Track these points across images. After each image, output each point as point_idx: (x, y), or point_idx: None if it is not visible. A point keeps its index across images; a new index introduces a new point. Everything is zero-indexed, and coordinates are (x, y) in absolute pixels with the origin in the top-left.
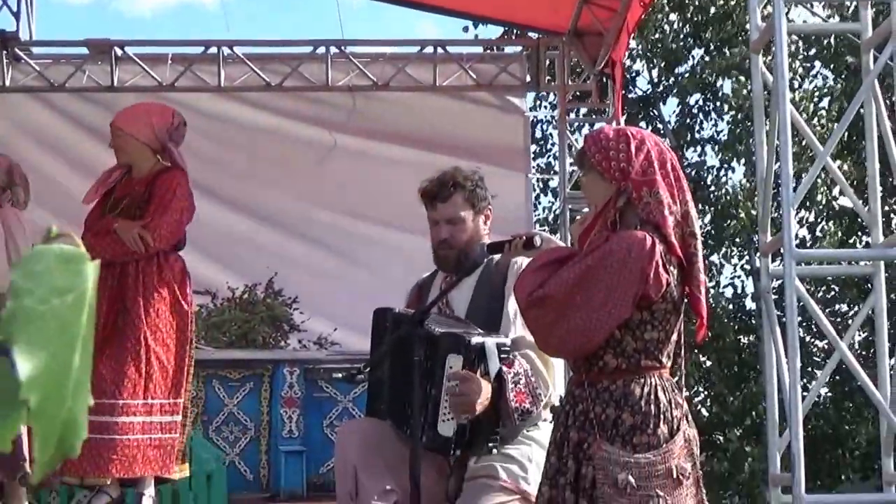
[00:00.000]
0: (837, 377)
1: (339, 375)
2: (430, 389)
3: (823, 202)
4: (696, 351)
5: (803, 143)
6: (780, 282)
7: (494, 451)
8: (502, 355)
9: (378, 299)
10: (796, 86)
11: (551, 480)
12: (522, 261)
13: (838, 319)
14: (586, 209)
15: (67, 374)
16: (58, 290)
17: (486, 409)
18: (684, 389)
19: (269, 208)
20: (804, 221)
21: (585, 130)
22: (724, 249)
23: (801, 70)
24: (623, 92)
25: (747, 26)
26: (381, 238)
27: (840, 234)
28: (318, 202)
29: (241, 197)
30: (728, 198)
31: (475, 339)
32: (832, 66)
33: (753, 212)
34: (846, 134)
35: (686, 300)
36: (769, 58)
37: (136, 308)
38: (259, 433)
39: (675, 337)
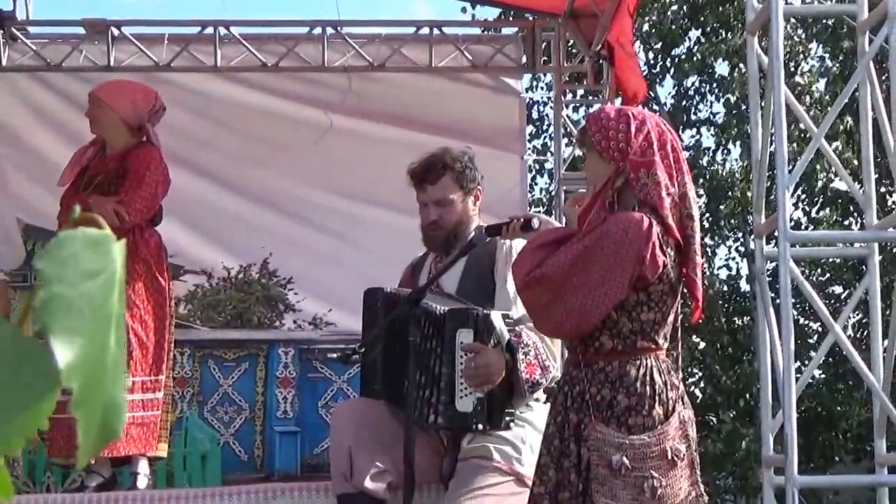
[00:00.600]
0: (831, 359)
1: (334, 356)
2: (439, 368)
3: (819, 186)
4: (690, 332)
5: (800, 125)
6: (774, 264)
7: (512, 424)
8: (508, 328)
9: (372, 280)
10: (805, 68)
11: (557, 463)
12: (510, 243)
13: (833, 302)
14: (582, 190)
15: (105, 357)
16: (88, 273)
17: (502, 379)
18: (680, 369)
19: (265, 189)
20: (799, 203)
21: (583, 112)
22: (718, 231)
23: (801, 51)
24: None
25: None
26: (375, 219)
27: (836, 217)
28: (314, 182)
29: (236, 177)
30: (722, 179)
31: (482, 312)
32: (829, 47)
33: (749, 193)
34: (848, 118)
35: (682, 282)
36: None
37: None
38: (254, 413)
39: (671, 318)
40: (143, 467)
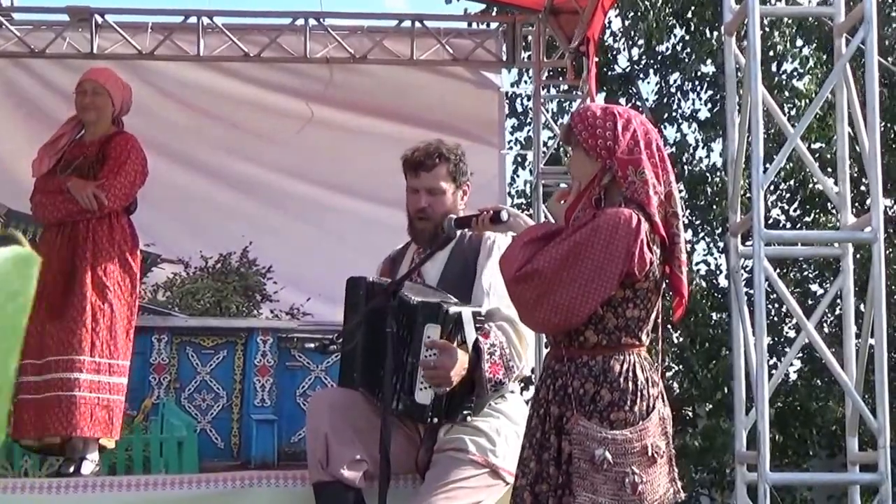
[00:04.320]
0: (807, 353)
1: (312, 346)
2: (406, 358)
3: (794, 186)
4: (669, 328)
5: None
6: (750, 262)
7: (469, 419)
8: (477, 325)
9: (351, 271)
10: (788, 67)
11: (537, 456)
12: (495, 236)
13: (809, 300)
14: (563, 185)
15: (3, 381)
16: (12, 294)
17: (462, 377)
18: (659, 366)
19: (245, 178)
20: (779, 201)
21: (572, 107)
22: (698, 226)
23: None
24: (604, 69)
25: None
26: (355, 209)
27: (815, 215)
28: (295, 173)
29: (217, 166)
30: (702, 175)
31: (452, 309)
32: (814, 45)
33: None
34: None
35: (666, 279)
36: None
37: (84, 266)
38: (231, 401)
39: (654, 315)
40: (92, 453)
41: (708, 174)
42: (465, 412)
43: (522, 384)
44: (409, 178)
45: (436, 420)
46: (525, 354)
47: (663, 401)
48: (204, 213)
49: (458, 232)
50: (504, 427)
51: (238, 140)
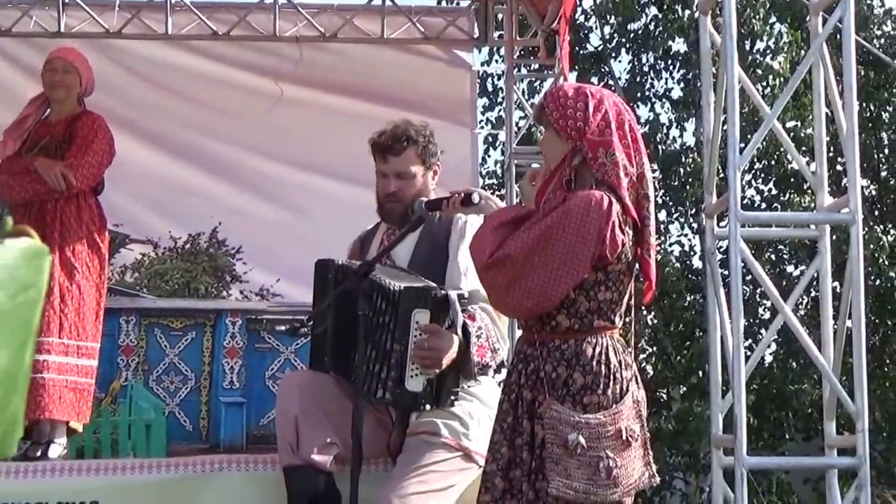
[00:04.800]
0: (783, 337)
1: (283, 328)
2: (390, 344)
3: (768, 165)
4: (643, 309)
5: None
6: (725, 243)
7: (454, 404)
8: (461, 308)
9: (321, 251)
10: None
11: (509, 441)
12: (465, 217)
13: (785, 282)
14: (535, 165)
15: (18, 374)
16: (24, 286)
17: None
18: (633, 349)
19: (215, 157)
20: (753, 181)
21: (543, 87)
22: (672, 206)
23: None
24: (576, 48)
25: None
26: (324, 189)
27: (789, 195)
28: (264, 152)
29: (186, 145)
30: (674, 154)
31: (439, 292)
32: (788, 22)
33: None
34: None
35: (637, 262)
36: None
37: (52, 247)
38: (200, 383)
39: (626, 298)
40: (60, 436)
41: (681, 154)
42: (452, 397)
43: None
44: (377, 162)
45: (428, 407)
46: (506, 336)
47: (637, 383)
48: (173, 193)
49: (430, 214)
50: (477, 410)
51: (207, 119)
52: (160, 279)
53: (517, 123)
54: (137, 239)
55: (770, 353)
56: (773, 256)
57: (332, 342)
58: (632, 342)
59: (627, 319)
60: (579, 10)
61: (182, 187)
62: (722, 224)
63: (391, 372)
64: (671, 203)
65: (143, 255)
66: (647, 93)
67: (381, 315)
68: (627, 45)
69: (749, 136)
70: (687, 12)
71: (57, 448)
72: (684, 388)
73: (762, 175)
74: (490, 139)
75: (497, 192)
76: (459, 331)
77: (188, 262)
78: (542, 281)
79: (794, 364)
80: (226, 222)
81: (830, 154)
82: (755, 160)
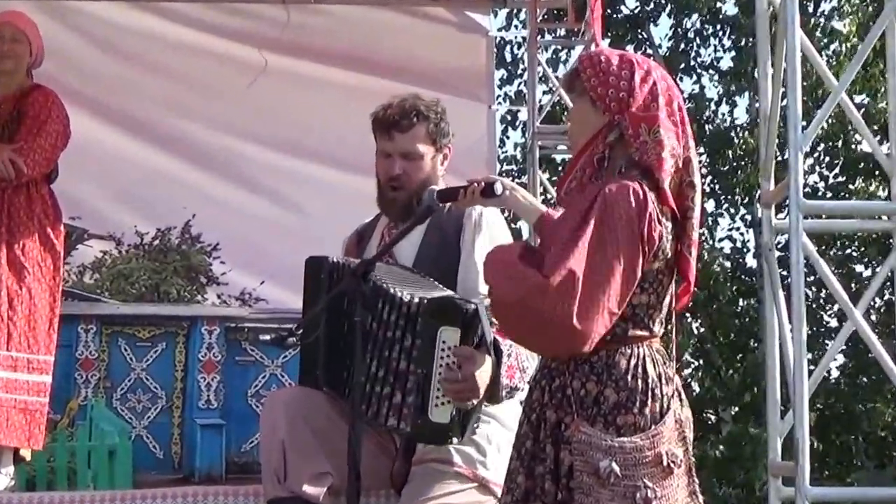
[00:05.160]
0: (851, 345)
1: (267, 337)
2: (407, 365)
3: (833, 148)
4: (686, 316)
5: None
6: (784, 237)
7: (477, 430)
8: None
9: (312, 249)
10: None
11: (527, 469)
12: (480, 209)
13: (855, 282)
14: (561, 146)
15: None
16: None
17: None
18: (674, 361)
19: (188, 140)
20: (817, 166)
21: (570, 57)
22: (721, 196)
23: None
24: (609, 11)
25: None
26: (316, 177)
27: (859, 182)
28: (246, 133)
29: (154, 125)
30: (725, 134)
31: (469, 306)
32: None
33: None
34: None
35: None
36: None
37: None
38: (171, 402)
39: (667, 300)
40: (6, 465)
41: (731, 134)
42: (475, 425)
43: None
44: (379, 141)
45: (455, 441)
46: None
47: (680, 401)
48: (138, 180)
49: (440, 205)
50: (496, 434)
51: (179, 94)
52: (124, 281)
53: (540, 99)
54: (97, 234)
55: (837, 367)
56: (839, 253)
57: (325, 353)
58: (673, 353)
59: (668, 328)
60: None
61: (150, 174)
62: (780, 216)
63: (408, 398)
64: (720, 191)
65: (104, 252)
66: (691, 62)
67: (392, 329)
68: (668, 8)
69: (812, 114)
70: None
71: (2, 479)
72: (736, 408)
73: (827, 158)
74: (508, 117)
75: (517, 182)
76: (491, 349)
77: (157, 262)
78: (612, 299)
79: (864, 380)
80: (201, 215)
81: None
82: (819, 141)
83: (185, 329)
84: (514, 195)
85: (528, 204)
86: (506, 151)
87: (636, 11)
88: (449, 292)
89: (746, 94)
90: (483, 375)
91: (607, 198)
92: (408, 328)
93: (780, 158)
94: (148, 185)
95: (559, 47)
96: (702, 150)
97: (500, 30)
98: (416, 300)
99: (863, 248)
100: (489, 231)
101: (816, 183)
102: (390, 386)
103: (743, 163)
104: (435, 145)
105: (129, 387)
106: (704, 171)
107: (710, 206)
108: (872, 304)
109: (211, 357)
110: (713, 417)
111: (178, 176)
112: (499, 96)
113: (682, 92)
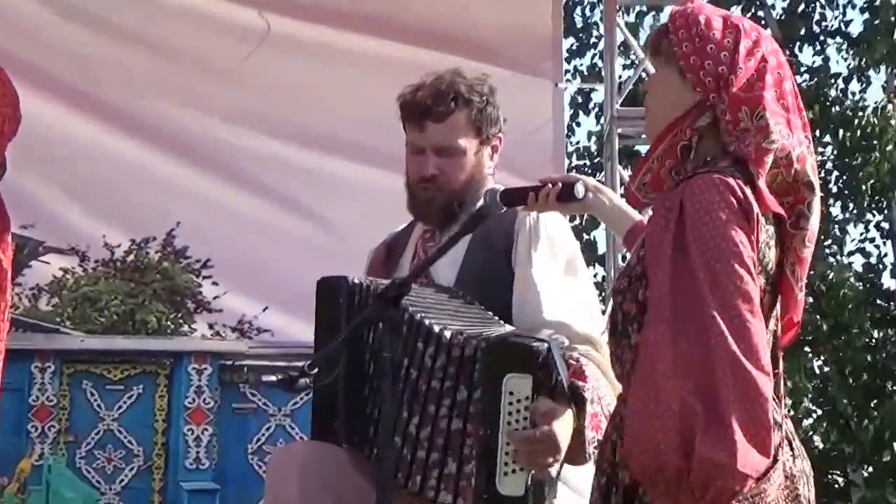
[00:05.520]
0: None
1: (272, 378)
2: (462, 424)
3: None
4: (806, 351)
5: None
6: None
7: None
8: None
9: (329, 265)
10: None
11: None
12: (536, 215)
13: None
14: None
15: None
16: None
17: None
18: (785, 403)
19: (171, 128)
20: None
21: (658, 20)
22: (850, 200)
23: None
24: None
25: None
26: (333, 173)
27: None
28: (242, 119)
29: (129, 110)
30: (847, 118)
31: (538, 345)
32: None
33: None
34: None
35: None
36: None
37: None
38: (151, 462)
39: (772, 327)
40: None
41: (861, 118)
42: (552, 497)
43: None
44: (409, 131)
45: None
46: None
47: (793, 450)
48: (108, 179)
49: (504, 210)
50: (566, 501)
51: (160, 70)
52: (90, 307)
53: (620, 75)
54: (56, 247)
55: None
56: None
57: (345, 399)
58: (782, 393)
59: (773, 359)
60: None
61: (122, 170)
62: None
63: (465, 466)
64: (847, 192)
65: (64, 271)
66: (812, 29)
67: (439, 378)
68: None
69: None
70: None
71: None
72: (870, 469)
73: None
74: (579, 98)
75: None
76: (569, 396)
77: (132, 282)
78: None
79: None
80: (187, 222)
81: None
82: None
83: (168, 368)
84: (599, 199)
85: (619, 209)
86: (576, 143)
87: None
88: (509, 327)
89: (883, 67)
90: (563, 431)
91: (689, 209)
92: (461, 377)
93: None
94: (120, 185)
95: (644, 8)
96: (828, 140)
97: None
98: (473, 341)
99: None
100: (549, 242)
101: None
102: (439, 451)
103: (878, 156)
104: (480, 136)
105: (97, 441)
106: (829, 165)
107: (835, 210)
108: None
109: (200, 404)
110: (841, 480)
111: (159, 173)
112: (567, 71)
113: (800, 65)
